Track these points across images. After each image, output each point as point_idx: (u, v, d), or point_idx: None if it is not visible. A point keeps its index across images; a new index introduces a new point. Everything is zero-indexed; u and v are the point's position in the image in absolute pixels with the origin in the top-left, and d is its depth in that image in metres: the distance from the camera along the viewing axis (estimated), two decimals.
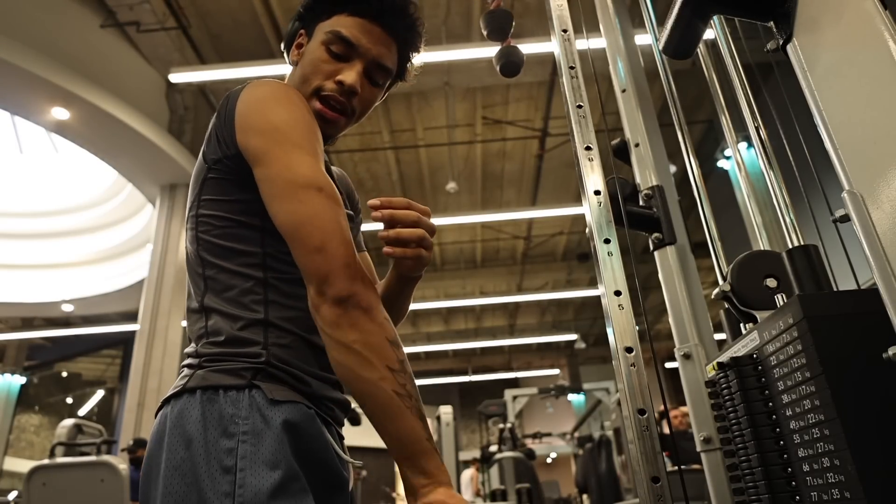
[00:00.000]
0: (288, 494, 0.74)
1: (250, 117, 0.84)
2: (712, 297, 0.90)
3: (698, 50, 1.05)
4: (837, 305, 0.65)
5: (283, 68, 1.06)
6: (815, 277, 0.76)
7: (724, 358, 0.77)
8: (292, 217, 0.79)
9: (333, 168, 1.09)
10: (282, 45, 1.05)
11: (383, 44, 0.96)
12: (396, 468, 0.77)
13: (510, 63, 1.33)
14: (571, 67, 1.09)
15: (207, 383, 0.80)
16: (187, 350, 0.88)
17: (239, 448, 0.75)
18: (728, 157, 7.08)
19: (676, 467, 1.17)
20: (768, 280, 0.83)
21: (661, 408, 2.54)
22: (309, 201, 0.78)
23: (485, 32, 1.33)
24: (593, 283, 10.32)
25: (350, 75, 0.93)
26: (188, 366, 0.85)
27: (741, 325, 0.85)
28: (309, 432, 0.82)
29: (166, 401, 0.83)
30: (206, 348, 0.84)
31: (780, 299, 0.80)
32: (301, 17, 1.00)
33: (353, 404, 0.92)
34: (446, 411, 5.38)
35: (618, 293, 0.89)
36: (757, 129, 0.99)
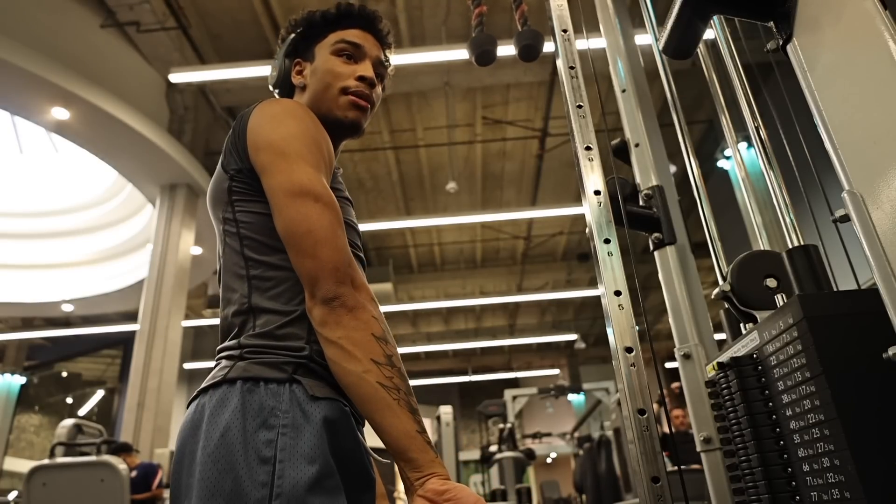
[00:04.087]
0: (324, 490, 0.76)
1: (260, 133, 0.91)
2: (712, 297, 0.90)
3: (698, 50, 1.05)
4: (837, 305, 0.65)
5: None
6: (815, 277, 0.76)
7: (724, 358, 0.77)
8: (289, 225, 0.84)
9: None
10: (271, 86, 1.14)
11: (377, 47, 1.10)
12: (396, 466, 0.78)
13: (486, 52, 1.33)
14: (571, 67, 1.09)
15: (248, 374, 0.82)
16: (226, 344, 0.89)
17: (279, 440, 0.77)
18: (728, 157, 7.09)
19: (676, 467, 1.17)
20: (768, 280, 0.83)
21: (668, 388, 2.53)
22: (304, 210, 0.84)
23: (517, 49, 1.31)
24: (593, 283, 10.32)
25: (366, 69, 1.06)
26: (228, 357, 0.87)
27: (741, 325, 0.85)
28: (344, 430, 0.84)
29: (203, 390, 0.84)
30: (249, 339, 0.86)
31: (780, 299, 0.80)
32: (293, 52, 1.11)
33: None
34: (446, 411, 5.37)
35: (618, 293, 0.89)
36: (757, 129, 0.99)
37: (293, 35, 1.10)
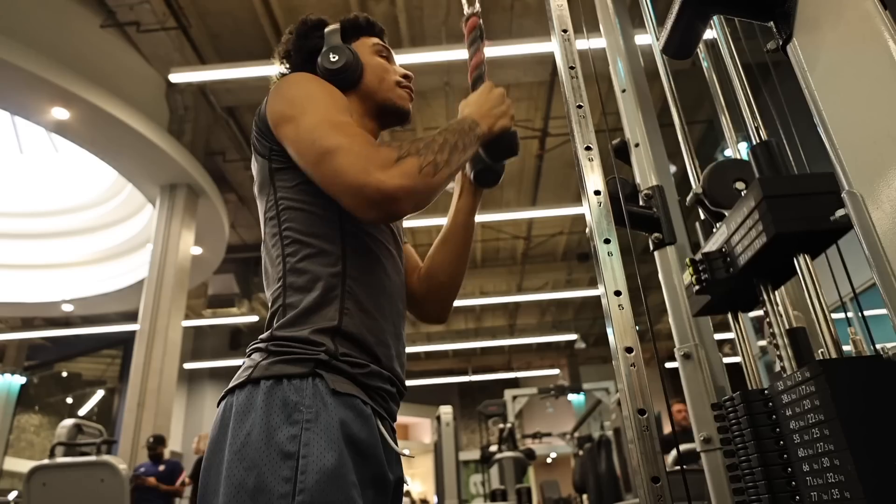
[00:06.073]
0: (347, 486, 0.78)
1: (275, 108, 0.97)
2: (686, 203, 0.96)
3: (698, 50, 1.05)
4: (795, 186, 0.68)
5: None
6: (774, 164, 0.78)
7: (697, 256, 0.80)
8: (311, 166, 0.89)
9: None
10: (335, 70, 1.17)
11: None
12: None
13: (493, 173, 1.29)
14: (571, 67, 1.09)
15: (271, 373, 0.84)
16: (260, 336, 0.93)
17: (302, 435, 0.79)
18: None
19: (676, 467, 1.17)
20: (737, 183, 0.88)
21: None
22: (320, 139, 0.88)
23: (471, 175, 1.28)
24: (593, 283, 10.32)
25: (403, 70, 1.19)
26: (257, 350, 0.90)
27: (713, 227, 0.89)
28: (364, 427, 0.86)
29: (231, 391, 0.87)
30: (277, 332, 0.90)
31: None
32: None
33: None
34: (446, 411, 5.38)
35: (618, 293, 0.89)
36: (757, 129, 0.99)
37: (335, 28, 1.15)
